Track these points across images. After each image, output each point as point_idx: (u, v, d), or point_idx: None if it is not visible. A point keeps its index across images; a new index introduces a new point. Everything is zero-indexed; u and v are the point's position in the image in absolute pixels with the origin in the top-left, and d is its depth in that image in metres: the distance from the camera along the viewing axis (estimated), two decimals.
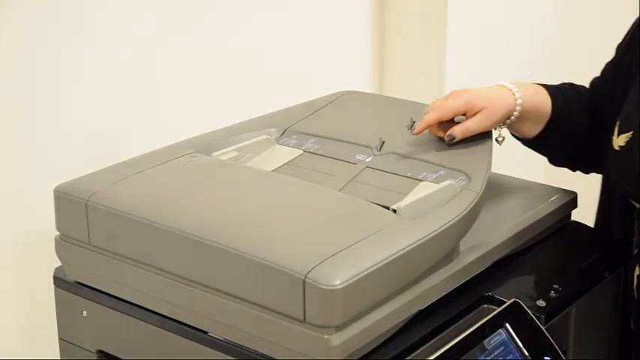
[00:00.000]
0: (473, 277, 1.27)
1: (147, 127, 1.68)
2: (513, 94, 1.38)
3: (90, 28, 1.58)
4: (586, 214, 1.51)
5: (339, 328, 1.07)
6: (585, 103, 1.46)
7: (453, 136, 1.34)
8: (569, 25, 2.37)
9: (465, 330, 1.18)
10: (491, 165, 1.34)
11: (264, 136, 1.44)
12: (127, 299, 1.24)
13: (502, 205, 1.43)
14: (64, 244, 1.29)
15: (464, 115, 1.36)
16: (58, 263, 1.31)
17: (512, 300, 1.23)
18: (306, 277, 1.05)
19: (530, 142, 1.46)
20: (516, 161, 1.71)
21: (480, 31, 2.19)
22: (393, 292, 1.14)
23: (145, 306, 1.23)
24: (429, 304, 1.20)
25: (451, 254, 1.23)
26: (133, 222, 1.20)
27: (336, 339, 1.07)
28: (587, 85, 1.50)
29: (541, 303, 1.26)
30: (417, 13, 2.11)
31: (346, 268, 1.07)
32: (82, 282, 1.29)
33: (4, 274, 1.55)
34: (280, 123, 1.48)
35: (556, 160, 1.52)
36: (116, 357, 1.29)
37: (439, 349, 1.15)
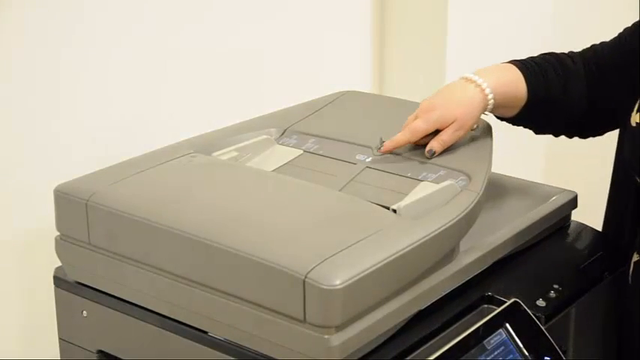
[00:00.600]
0: (473, 277, 1.27)
1: (147, 127, 1.68)
2: (483, 90, 1.36)
3: (90, 28, 1.58)
4: (586, 214, 1.51)
5: (339, 328, 1.07)
6: (570, 72, 1.43)
7: (434, 151, 1.35)
8: (569, 25, 2.37)
9: (465, 330, 1.18)
10: (491, 165, 1.34)
11: (264, 136, 1.44)
12: (127, 299, 1.24)
13: (502, 205, 1.43)
14: (64, 244, 1.29)
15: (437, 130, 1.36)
16: (58, 263, 1.31)
17: (512, 300, 1.23)
18: (306, 277, 1.05)
19: (509, 121, 1.46)
20: (516, 161, 1.71)
21: (480, 31, 2.19)
22: (393, 292, 1.14)
23: (145, 306, 1.23)
24: (429, 304, 1.20)
25: (451, 254, 1.23)
26: (133, 222, 1.20)
27: (336, 339, 1.07)
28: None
29: (541, 303, 1.26)
30: (417, 13, 2.11)
31: (346, 268, 1.07)
32: (82, 282, 1.29)
33: (4, 274, 1.55)
34: (280, 123, 1.48)
35: (538, 132, 1.50)
36: (116, 357, 1.29)
37: (439, 349, 1.15)
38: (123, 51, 1.63)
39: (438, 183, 1.28)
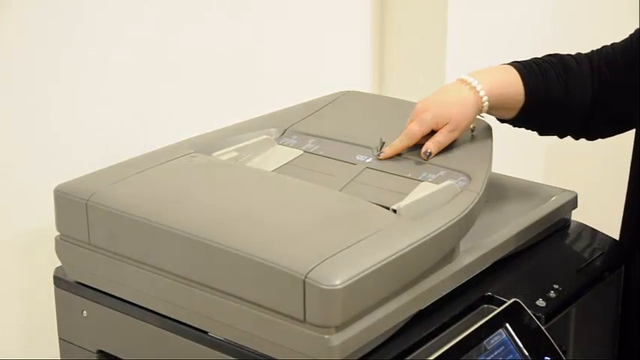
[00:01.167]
0: (473, 277, 1.27)
1: (147, 127, 1.68)
2: (477, 92, 1.36)
3: (90, 28, 1.58)
4: (586, 214, 1.51)
5: (339, 328, 1.07)
6: (573, 73, 1.42)
7: (429, 152, 1.35)
8: (569, 25, 2.37)
9: (465, 330, 1.18)
10: (491, 165, 1.34)
11: (264, 136, 1.44)
12: (127, 299, 1.24)
13: (502, 205, 1.43)
14: (64, 244, 1.29)
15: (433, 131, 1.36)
16: (58, 263, 1.31)
17: (512, 300, 1.23)
18: (306, 277, 1.05)
19: (510, 123, 1.45)
20: (516, 161, 1.71)
21: (480, 31, 2.19)
22: (393, 292, 1.14)
23: (145, 306, 1.23)
24: (429, 304, 1.20)
25: (451, 254, 1.23)
26: (133, 222, 1.20)
27: (336, 339, 1.07)
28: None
29: (541, 303, 1.27)
30: (417, 13, 2.11)
31: (346, 268, 1.07)
32: (82, 282, 1.29)
33: (4, 274, 1.55)
34: (280, 123, 1.48)
35: (541, 134, 1.49)
36: (116, 357, 1.29)
37: (439, 349, 1.15)
38: (123, 51, 1.63)
39: (438, 183, 1.28)
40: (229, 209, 1.21)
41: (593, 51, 1.45)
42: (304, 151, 1.41)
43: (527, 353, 1.20)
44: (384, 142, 1.38)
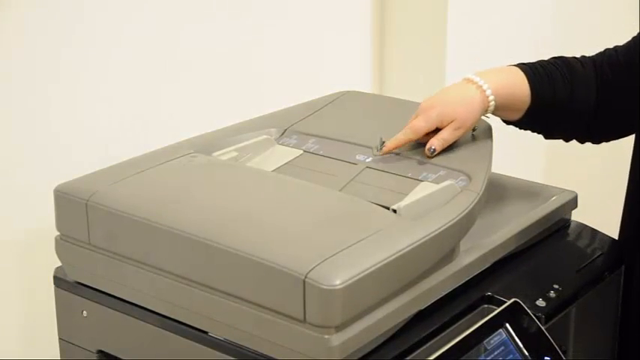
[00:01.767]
0: (473, 277, 1.27)
1: (147, 127, 1.68)
2: (483, 91, 1.35)
3: (90, 28, 1.58)
4: (586, 214, 1.51)
5: (339, 328, 1.07)
6: (578, 76, 1.41)
7: (434, 149, 1.34)
8: (569, 25, 2.37)
9: (465, 330, 1.18)
10: (491, 165, 1.34)
11: (264, 136, 1.44)
12: (127, 299, 1.24)
13: (502, 205, 1.43)
14: (64, 244, 1.29)
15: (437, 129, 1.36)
16: (58, 263, 1.31)
17: (512, 300, 1.23)
18: (306, 277, 1.05)
19: (516, 125, 1.44)
20: (516, 161, 1.71)
21: (480, 31, 2.19)
22: (393, 292, 1.14)
23: (145, 306, 1.23)
24: (429, 304, 1.20)
25: (451, 254, 1.23)
26: (133, 222, 1.20)
27: (336, 339, 1.07)
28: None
29: (541, 303, 1.27)
30: (417, 13, 2.11)
31: (346, 268, 1.07)
32: (82, 282, 1.29)
33: (4, 274, 1.55)
34: (280, 123, 1.48)
35: (547, 137, 1.48)
36: (116, 357, 1.29)
37: (439, 349, 1.15)
38: (123, 51, 1.63)
39: (438, 183, 1.28)
40: (229, 209, 1.21)
41: (597, 54, 1.45)
42: (304, 151, 1.41)
43: (527, 353, 1.20)
44: (383, 142, 1.38)
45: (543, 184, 1.50)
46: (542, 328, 1.23)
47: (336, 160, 1.38)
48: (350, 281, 1.06)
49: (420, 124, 1.35)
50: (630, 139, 1.46)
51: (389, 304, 1.13)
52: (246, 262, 1.10)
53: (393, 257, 1.11)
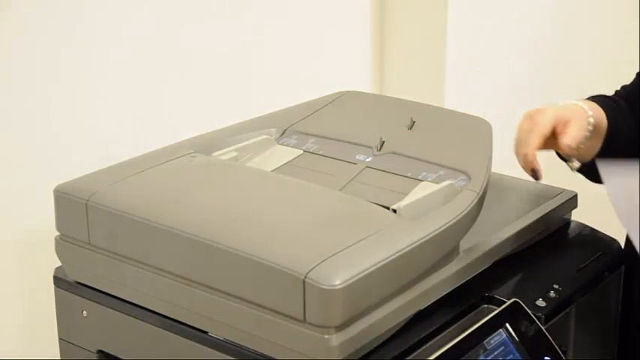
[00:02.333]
0: (473, 277, 1.27)
1: (147, 127, 1.68)
2: (582, 107, 1.29)
3: (90, 28, 1.58)
4: (586, 214, 1.51)
5: (339, 328, 1.07)
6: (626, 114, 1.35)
7: (569, 144, 1.26)
8: (569, 25, 2.37)
9: (465, 330, 1.18)
10: (491, 165, 1.34)
11: (264, 136, 1.44)
12: (127, 299, 1.24)
13: (502, 205, 1.43)
14: (64, 244, 1.29)
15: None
16: (58, 263, 1.31)
17: (512, 300, 1.23)
18: (306, 277, 1.05)
19: (586, 171, 1.37)
20: (516, 161, 1.71)
21: (480, 31, 2.19)
22: (393, 292, 1.14)
23: (145, 306, 1.23)
24: (429, 304, 1.20)
25: (451, 254, 1.23)
26: (133, 222, 1.20)
27: (336, 339, 1.07)
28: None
29: (541, 303, 1.27)
30: (417, 13, 2.11)
31: (346, 268, 1.07)
32: (82, 282, 1.29)
33: (4, 274, 1.55)
34: (280, 123, 1.48)
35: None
36: (116, 357, 1.29)
37: (439, 349, 1.15)
38: (123, 51, 1.63)
39: (437, 183, 1.28)
40: (229, 209, 1.21)
41: (619, 89, 1.41)
42: (304, 151, 1.41)
43: (527, 353, 1.20)
44: (383, 142, 1.38)
45: (543, 184, 1.50)
46: (542, 328, 1.23)
47: (336, 160, 1.38)
48: (350, 281, 1.06)
49: (541, 119, 1.25)
50: None
51: (389, 304, 1.13)
52: (246, 262, 1.10)
53: (393, 257, 1.11)
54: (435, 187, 1.26)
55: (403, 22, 2.13)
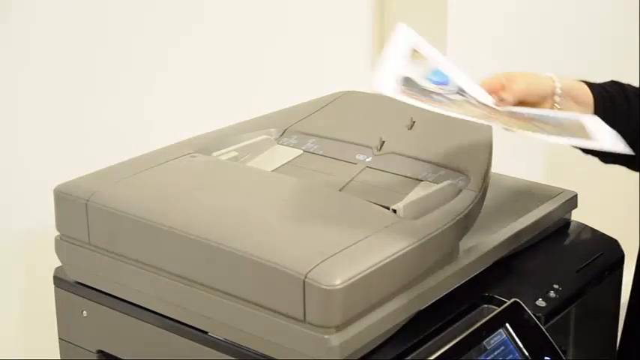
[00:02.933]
0: (473, 277, 1.27)
1: (147, 127, 1.68)
2: (549, 76, 1.34)
3: (90, 28, 1.58)
4: (586, 214, 1.51)
5: (339, 328, 1.07)
6: (634, 98, 1.37)
7: (503, 97, 1.30)
8: (569, 25, 2.37)
9: (465, 330, 1.18)
10: (491, 165, 1.34)
11: (264, 136, 1.44)
12: (127, 299, 1.24)
13: (502, 205, 1.43)
14: (64, 244, 1.29)
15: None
16: (58, 263, 1.31)
17: (512, 300, 1.23)
18: (306, 277, 1.05)
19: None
20: (516, 161, 1.71)
21: (480, 32, 2.19)
22: (393, 292, 1.14)
23: (145, 306, 1.23)
24: (429, 304, 1.20)
25: (451, 254, 1.23)
26: (133, 222, 1.20)
27: (336, 339, 1.07)
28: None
29: (541, 303, 1.27)
30: (417, 13, 2.11)
31: (346, 268, 1.07)
32: (82, 282, 1.29)
33: (4, 274, 1.55)
34: (280, 123, 1.48)
35: (607, 159, 1.44)
36: (116, 357, 1.29)
37: (439, 349, 1.15)
38: (123, 51, 1.63)
39: (437, 183, 1.28)
40: (229, 209, 1.21)
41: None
42: (304, 151, 1.42)
43: (527, 353, 1.20)
44: (384, 142, 1.38)
45: (543, 184, 1.50)
46: (542, 328, 1.23)
47: (336, 160, 1.38)
48: (350, 281, 1.06)
49: (496, 76, 1.32)
50: None
51: (389, 304, 1.13)
52: (246, 262, 1.10)
53: (393, 257, 1.11)
54: (435, 187, 1.26)
55: (403, 22, 2.13)
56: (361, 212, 1.21)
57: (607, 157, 1.40)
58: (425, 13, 2.11)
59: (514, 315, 1.22)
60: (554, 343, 1.23)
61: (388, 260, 1.10)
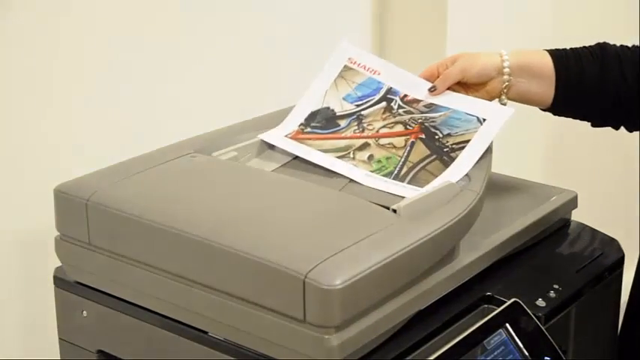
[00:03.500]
0: (473, 277, 1.27)
1: (147, 127, 1.68)
2: (499, 53, 1.39)
3: (90, 28, 1.58)
4: (586, 214, 1.51)
5: (339, 328, 1.07)
6: (612, 57, 1.36)
7: (434, 87, 1.37)
8: (569, 25, 2.37)
9: (465, 330, 1.18)
10: (491, 165, 1.34)
11: None
12: (127, 299, 1.24)
13: (502, 205, 1.43)
14: (64, 244, 1.29)
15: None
16: (58, 263, 1.31)
17: (513, 300, 1.23)
18: (306, 277, 1.05)
19: (550, 110, 1.40)
20: (516, 161, 1.71)
21: (480, 32, 2.19)
22: (393, 292, 1.14)
23: (145, 306, 1.23)
24: (429, 304, 1.20)
25: (451, 254, 1.23)
26: (133, 222, 1.20)
27: (336, 339, 1.07)
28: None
29: (541, 303, 1.27)
30: (417, 14, 2.11)
31: (346, 268, 1.07)
32: (82, 282, 1.29)
33: (4, 274, 1.55)
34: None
35: (592, 124, 1.43)
36: (116, 357, 1.29)
37: (439, 349, 1.15)
38: (123, 51, 1.63)
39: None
40: (229, 209, 1.21)
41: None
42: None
43: (527, 353, 1.20)
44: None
45: (543, 184, 1.50)
46: (542, 328, 1.23)
47: None
48: (350, 281, 1.06)
49: (434, 64, 1.40)
50: (631, 138, 1.45)
51: (389, 304, 1.13)
52: (246, 262, 1.10)
53: (393, 257, 1.11)
54: (435, 187, 1.26)
55: (403, 22, 2.13)
56: (361, 212, 1.21)
57: (557, 106, 1.40)
58: (425, 13, 2.11)
59: (514, 315, 1.22)
60: (554, 343, 1.23)
61: (388, 260, 1.10)
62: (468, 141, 1.31)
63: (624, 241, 1.47)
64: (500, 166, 1.46)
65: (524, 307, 1.23)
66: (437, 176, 1.28)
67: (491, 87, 1.38)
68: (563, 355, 1.24)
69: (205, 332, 1.18)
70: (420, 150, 1.31)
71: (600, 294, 1.38)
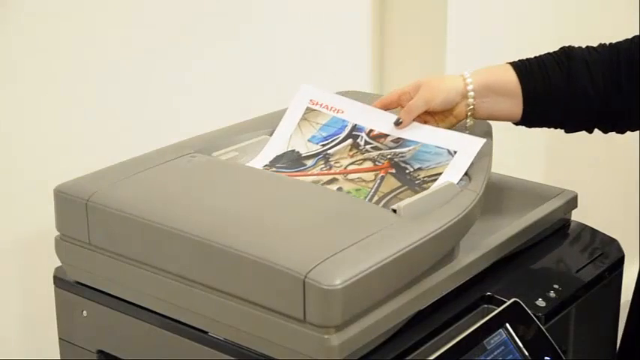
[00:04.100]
0: (473, 277, 1.27)
1: (147, 127, 1.68)
2: (462, 76, 1.36)
3: (91, 28, 1.58)
4: (586, 214, 1.51)
5: (339, 328, 1.07)
6: (579, 62, 1.36)
7: (400, 120, 1.36)
8: (569, 25, 2.37)
9: (465, 330, 1.18)
10: (491, 165, 1.34)
11: (264, 136, 1.44)
12: (127, 299, 1.24)
13: (502, 205, 1.43)
14: (64, 244, 1.29)
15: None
16: (58, 263, 1.31)
17: (512, 300, 1.23)
18: (306, 277, 1.06)
19: (527, 123, 1.39)
20: (516, 161, 1.71)
21: (480, 31, 2.19)
22: (393, 292, 1.14)
23: (145, 306, 1.23)
24: (429, 304, 1.20)
25: (451, 254, 1.23)
26: (133, 222, 1.20)
27: (336, 339, 1.07)
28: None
29: (541, 303, 1.27)
30: (417, 13, 2.11)
31: (346, 268, 1.07)
32: (82, 282, 1.29)
33: (4, 274, 1.55)
34: None
35: (566, 130, 1.42)
36: (116, 357, 1.29)
37: (439, 349, 1.15)
38: (123, 51, 1.63)
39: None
40: (229, 209, 1.21)
41: (623, 40, 1.39)
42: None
43: (527, 353, 1.20)
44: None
45: (543, 184, 1.50)
46: (542, 328, 1.23)
47: None
48: (350, 281, 1.06)
49: (395, 92, 1.39)
50: (631, 138, 1.45)
51: (389, 304, 1.13)
52: (246, 262, 1.10)
53: (393, 257, 1.11)
54: (435, 187, 1.26)
55: (403, 22, 2.13)
56: (361, 212, 1.21)
57: (528, 118, 1.39)
58: (425, 13, 2.11)
59: (514, 315, 1.22)
60: (554, 343, 1.23)
61: (388, 260, 1.10)
62: (440, 174, 1.29)
63: (624, 241, 1.47)
64: (500, 166, 1.46)
65: (524, 307, 1.23)
66: None
67: (457, 111, 1.37)
68: (563, 355, 1.24)
69: (205, 332, 1.18)
70: (391, 182, 1.29)
71: (600, 294, 1.38)
